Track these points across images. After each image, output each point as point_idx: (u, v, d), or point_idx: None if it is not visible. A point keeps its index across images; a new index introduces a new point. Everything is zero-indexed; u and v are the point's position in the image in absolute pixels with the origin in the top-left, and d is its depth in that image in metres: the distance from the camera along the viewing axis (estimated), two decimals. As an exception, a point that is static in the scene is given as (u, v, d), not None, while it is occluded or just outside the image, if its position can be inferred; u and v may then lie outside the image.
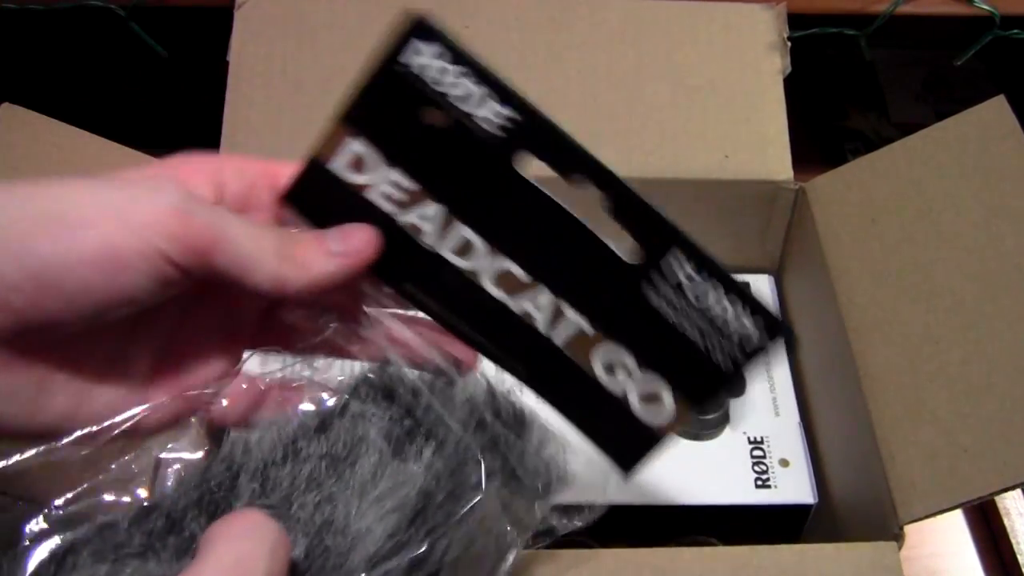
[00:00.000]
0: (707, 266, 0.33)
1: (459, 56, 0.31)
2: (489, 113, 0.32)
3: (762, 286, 0.58)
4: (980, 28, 0.60)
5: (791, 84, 0.54)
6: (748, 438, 0.51)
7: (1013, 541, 0.56)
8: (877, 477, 0.42)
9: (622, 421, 0.35)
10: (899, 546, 0.40)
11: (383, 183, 0.33)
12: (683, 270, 0.33)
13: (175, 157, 0.32)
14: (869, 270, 0.47)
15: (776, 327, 0.33)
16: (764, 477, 0.49)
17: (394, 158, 0.33)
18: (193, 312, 0.33)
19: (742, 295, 0.33)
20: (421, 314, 0.35)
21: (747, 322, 0.33)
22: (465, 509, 0.32)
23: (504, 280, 0.34)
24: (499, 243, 0.34)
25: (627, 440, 0.35)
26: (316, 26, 0.53)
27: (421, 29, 0.31)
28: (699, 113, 0.53)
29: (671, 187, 0.52)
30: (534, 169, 0.33)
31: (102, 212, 0.27)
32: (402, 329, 0.34)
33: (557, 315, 0.34)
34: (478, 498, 0.32)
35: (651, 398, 0.34)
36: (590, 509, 0.36)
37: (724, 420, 0.51)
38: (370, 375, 0.34)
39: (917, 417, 0.42)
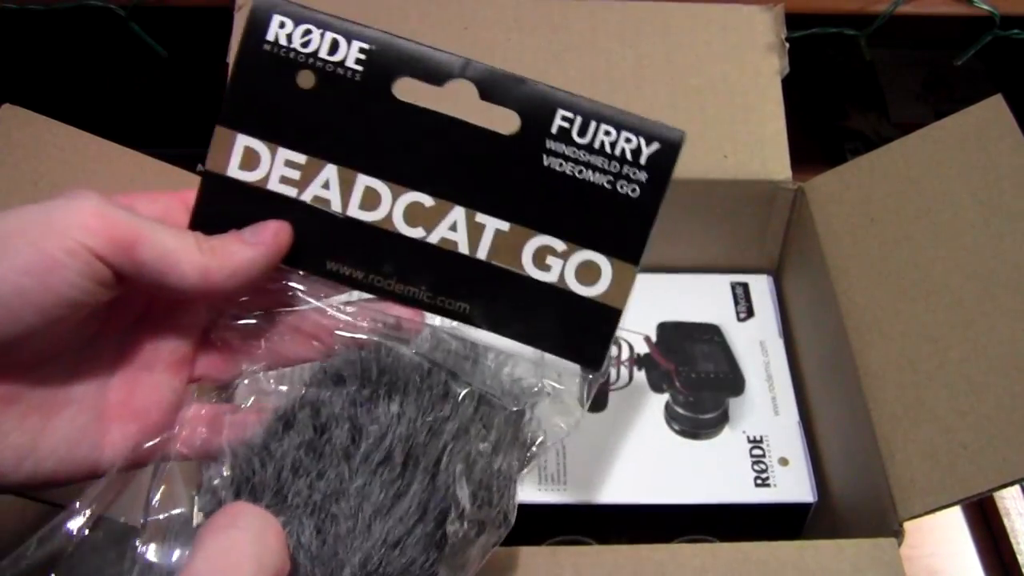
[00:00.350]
0: (591, 115, 0.34)
1: (300, 16, 0.33)
2: (350, 53, 0.33)
3: (761, 286, 0.58)
4: (980, 28, 0.60)
5: (791, 84, 0.54)
6: (747, 437, 0.51)
7: (1013, 541, 0.56)
8: (877, 475, 0.43)
9: (573, 313, 0.35)
10: (899, 543, 0.40)
11: (278, 168, 0.34)
12: (573, 126, 0.34)
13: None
14: (868, 269, 0.48)
15: (666, 132, 0.34)
16: (764, 476, 0.49)
17: (281, 138, 0.34)
18: (133, 339, 0.34)
19: (631, 126, 0.34)
20: (355, 295, 0.36)
21: (643, 144, 0.34)
22: (449, 438, 0.32)
23: (415, 215, 0.34)
24: (399, 178, 0.34)
25: (584, 332, 0.35)
26: (316, 27, 0.53)
27: (271, 5, 0.33)
28: (698, 114, 0.53)
29: (670, 187, 0.52)
30: (415, 93, 0.34)
31: (26, 223, 0.29)
32: (339, 315, 0.35)
33: (474, 228, 0.34)
34: (458, 424, 0.32)
35: (587, 270, 0.35)
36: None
37: (723, 419, 0.52)
38: (322, 367, 0.34)
39: (916, 415, 0.42)
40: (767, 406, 0.52)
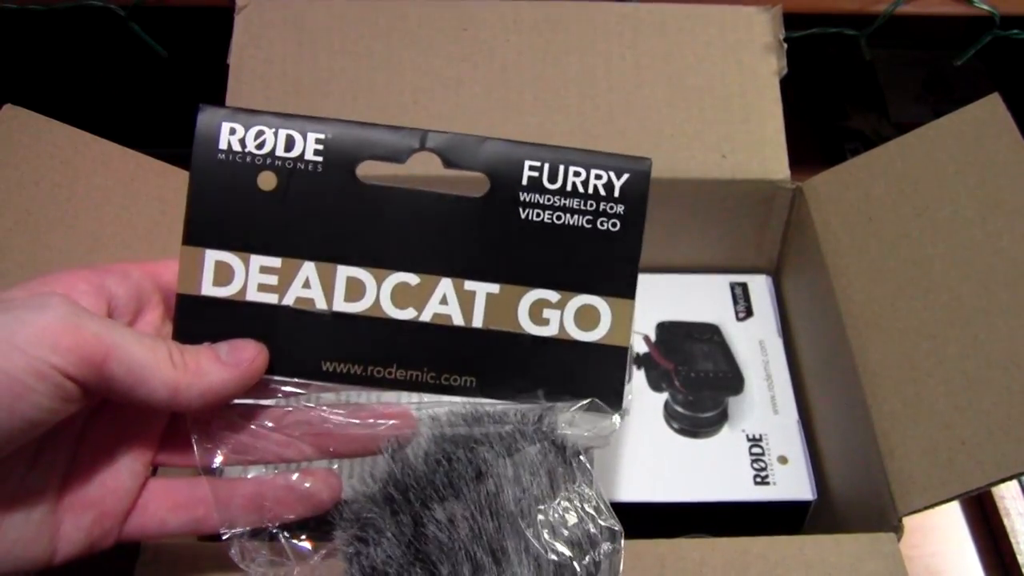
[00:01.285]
0: (558, 160, 0.34)
1: (250, 121, 0.33)
2: (307, 146, 0.33)
3: (760, 286, 0.58)
4: (980, 28, 0.60)
5: (791, 84, 0.54)
6: (747, 435, 0.51)
7: (1013, 541, 0.56)
8: (876, 471, 0.43)
9: (581, 361, 0.35)
10: (898, 538, 0.40)
11: (254, 276, 0.33)
12: (542, 174, 0.34)
13: (56, 272, 0.32)
14: (866, 267, 0.48)
15: (633, 162, 0.34)
16: (763, 474, 0.49)
17: (251, 245, 0.33)
18: (95, 424, 0.32)
19: (599, 163, 0.34)
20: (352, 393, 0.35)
21: (613, 177, 0.34)
22: (513, 506, 0.32)
23: (403, 296, 0.34)
24: (379, 262, 0.34)
25: (596, 377, 0.35)
26: (316, 30, 0.53)
27: (219, 116, 0.33)
28: (696, 114, 0.53)
29: (669, 187, 0.52)
30: (379, 173, 0.34)
31: None
32: (328, 416, 0.34)
33: (465, 298, 0.34)
34: (509, 491, 0.32)
35: (586, 315, 0.34)
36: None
37: (722, 418, 0.52)
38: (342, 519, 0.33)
39: (915, 411, 0.42)
40: (766, 405, 0.52)
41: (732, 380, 0.53)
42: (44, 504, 0.31)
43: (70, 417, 0.30)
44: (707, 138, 0.53)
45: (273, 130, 0.33)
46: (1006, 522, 0.56)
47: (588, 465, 0.34)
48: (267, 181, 0.33)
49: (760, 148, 0.53)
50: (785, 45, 0.54)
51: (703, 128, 0.53)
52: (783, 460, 0.50)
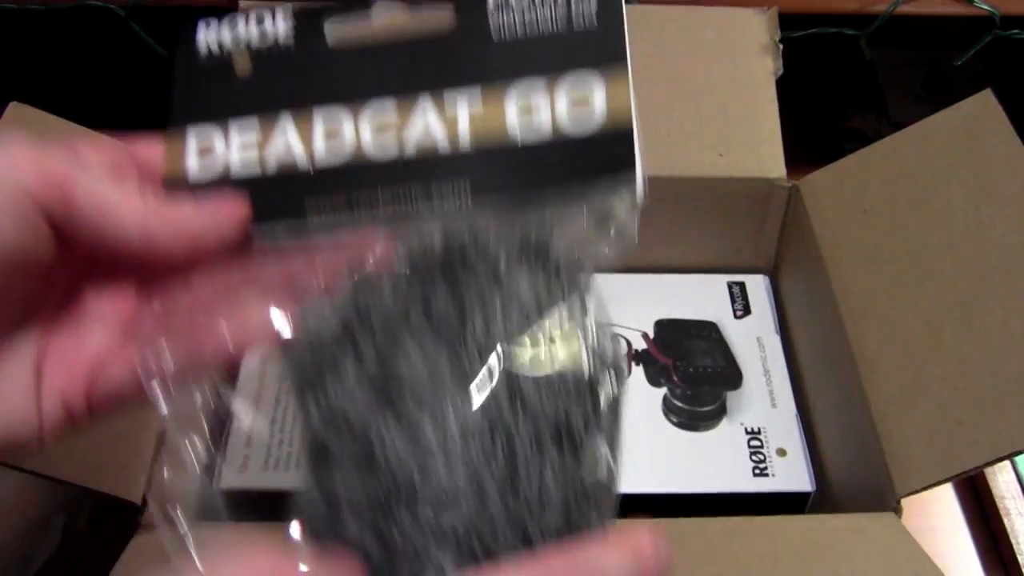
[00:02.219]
0: None
1: (224, 16, 0.34)
2: (277, 17, 0.34)
3: (758, 285, 0.58)
4: (980, 28, 0.60)
5: (790, 84, 0.55)
6: (745, 429, 0.51)
7: (1013, 541, 0.56)
8: (874, 455, 0.43)
9: (582, 156, 0.32)
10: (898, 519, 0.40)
11: (235, 145, 0.33)
12: None
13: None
14: (863, 258, 0.48)
15: None
16: (762, 466, 0.49)
17: (229, 113, 0.33)
18: (76, 296, 0.31)
19: None
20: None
21: None
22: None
23: (384, 129, 0.32)
24: (352, 96, 0.33)
25: (601, 170, 0.32)
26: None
27: (195, 22, 0.35)
28: (693, 113, 0.54)
29: (666, 185, 0.52)
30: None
31: None
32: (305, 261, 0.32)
33: (446, 114, 0.32)
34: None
35: (578, 96, 0.32)
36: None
37: (721, 412, 0.52)
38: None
39: (912, 394, 0.42)
40: (764, 399, 0.52)
41: (730, 375, 0.53)
42: (25, 369, 0.29)
43: (48, 289, 0.29)
44: (704, 137, 0.53)
45: (243, 15, 0.34)
46: (1006, 522, 0.56)
47: (587, 290, 0.30)
48: (242, 60, 0.34)
49: (756, 147, 0.53)
50: (781, 46, 0.54)
51: (700, 127, 0.53)
52: (782, 452, 0.50)
